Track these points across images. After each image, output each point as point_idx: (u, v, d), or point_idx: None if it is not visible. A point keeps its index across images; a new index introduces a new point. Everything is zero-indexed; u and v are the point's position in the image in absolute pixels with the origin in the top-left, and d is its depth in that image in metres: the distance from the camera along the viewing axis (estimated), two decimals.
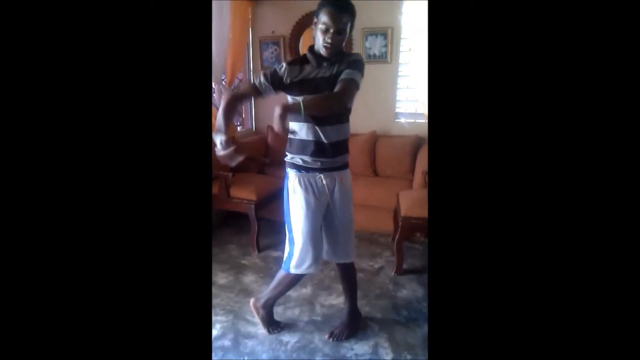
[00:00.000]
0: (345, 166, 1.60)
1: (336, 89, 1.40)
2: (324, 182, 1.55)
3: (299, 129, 1.50)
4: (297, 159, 1.54)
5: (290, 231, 1.62)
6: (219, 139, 1.32)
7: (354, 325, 1.82)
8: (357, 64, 1.44)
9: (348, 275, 1.79)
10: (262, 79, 1.49)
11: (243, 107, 3.69)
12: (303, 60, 1.49)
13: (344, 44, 1.43)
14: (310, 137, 1.49)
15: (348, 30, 1.39)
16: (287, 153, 1.58)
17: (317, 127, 1.47)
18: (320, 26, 1.37)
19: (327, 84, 1.44)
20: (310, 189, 1.55)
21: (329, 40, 1.37)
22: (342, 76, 1.41)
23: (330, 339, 1.76)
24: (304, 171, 1.54)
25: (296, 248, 1.61)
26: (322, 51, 1.41)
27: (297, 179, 1.55)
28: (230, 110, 1.45)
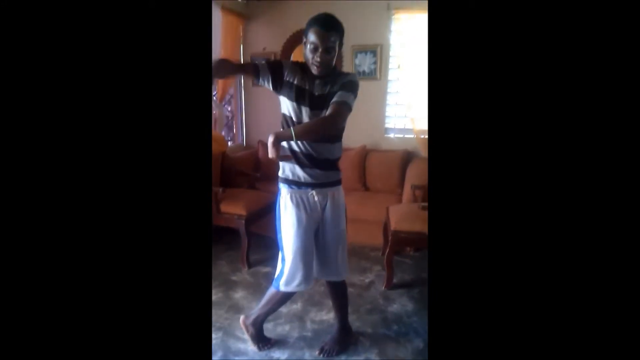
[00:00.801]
0: (337, 183, 1.61)
1: (328, 111, 1.40)
2: (316, 198, 1.54)
3: (294, 145, 1.50)
4: (289, 174, 1.54)
5: (282, 248, 1.62)
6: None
7: (344, 341, 1.82)
8: (351, 86, 1.44)
9: (338, 293, 1.78)
10: (264, 63, 1.48)
11: (234, 122, 3.71)
12: (303, 66, 1.48)
13: (334, 62, 1.44)
14: (304, 153, 1.49)
15: (337, 48, 1.41)
16: (279, 166, 1.58)
17: (312, 145, 1.48)
18: (309, 45, 1.38)
19: (319, 102, 1.45)
20: (302, 206, 1.54)
21: (318, 59, 1.38)
22: (335, 98, 1.41)
23: (321, 355, 1.75)
24: (295, 187, 1.54)
25: (287, 265, 1.59)
26: (313, 70, 1.43)
27: (288, 195, 1.55)
28: (218, 69, 1.37)
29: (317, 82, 1.46)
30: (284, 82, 1.47)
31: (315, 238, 1.62)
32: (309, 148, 1.49)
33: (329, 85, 1.45)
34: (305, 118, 1.47)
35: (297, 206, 1.54)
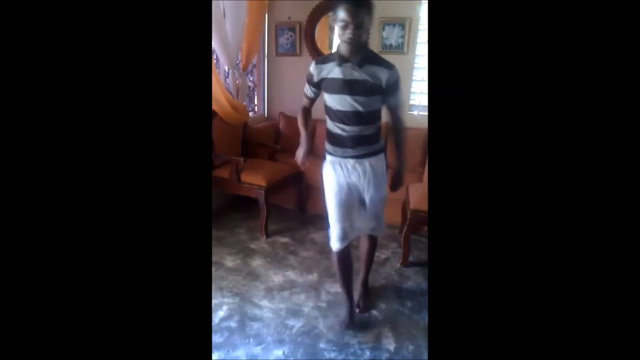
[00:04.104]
0: (378, 152, 1.70)
1: (392, 123, 1.69)
2: (355, 166, 1.66)
3: (333, 126, 1.64)
4: (332, 150, 1.68)
5: (327, 211, 1.76)
6: (302, 151, 1.65)
7: (368, 295, 2.02)
8: (396, 85, 1.55)
9: (371, 247, 1.91)
10: (306, 87, 1.70)
11: (256, 93, 3.70)
12: (329, 58, 1.59)
13: (366, 37, 1.49)
14: (338, 132, 1.63)
15: (366, 23, 1.45)
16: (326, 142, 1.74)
17: (349, 127, 1.60)
18: (340, 23, 1.43)
19: (353, 86, 1.52)
20: (340, 172, 1.67)
21: (350, 35, 1.43)
22: (390, 103, 1.61)
23: (357, 310, 1.90)
24: (338, 157, 1.67)
25: (331, 226, 1.75)
26: (345, 47, 1.48)
27: (329, 162, 1.70)
28: (305, 122, 1.74)
29: (347, 65, 1.52)
30: (317, 83, 1.63)
31: (360, 200, 1.73)
32: (350, 131, 1.60)
33: (363, 70, 1.51)
34: (340, 104, 1.57)
35: (337, 173, 1.67)
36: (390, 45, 3.16)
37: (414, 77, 3.21)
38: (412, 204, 2.29)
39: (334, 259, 1.78)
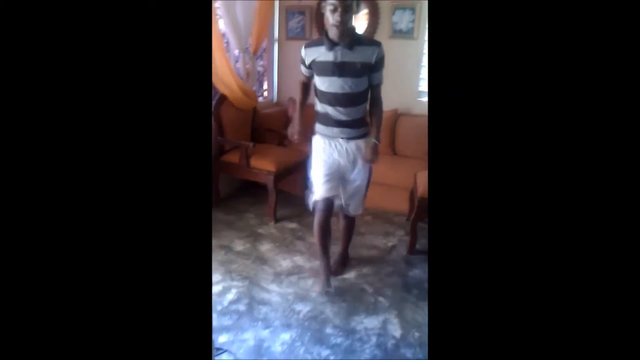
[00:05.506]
0: (362, 136, 1.82)
1: (372, 100, 1.76)
2: (345, 146, 1.80)
3: (323, 108, 1.78)
4: (324, 131, 1.82)
5: (310, 176, 1.93)
6: (296, 129, 1.80)
7: (344, 264, 2.19)
8: (383, 63, 1.68)
9: (349, 226, 2.10)
10: (301, 68, 1.82)
11: (265, 78, 3.68)
12: (318, 42, 1.70)
13: (352, 21, 1.61)
14: (328, 113, 1.77)
15: (354, 7, 1.57)
16: (315, 125, 1.87)
17: (338, 108, 1.74)
18: (329, 6, 1.54)
19: (343, 69, 1.64)
20: (328, 149, 1.81)
21: (339, 19, 1.54)
22: (375, 80, 1.70)
23: (331, 274, 2.03)
24: (324, 136, 1.82)
25: (315, 186, 1.90)
26: (334, 31, 1.59)
27: (319, 138, 1.84)
28: (303, 97, 1.88)
29: (338, 48, 1.63)
30: (311, 64, 1.73)
31: (342, 178, 1.86)
32: (339, 112, 1.74)
33: (353, 52, 1.62)
34: (330, 87, 1.69)
35: (325, 149, 1.81)
36: (400, 31, 3.11)
37: (423, 63, 3.17)
38: (420, 192, 2.30)
39: (316, 224, 1.89)
